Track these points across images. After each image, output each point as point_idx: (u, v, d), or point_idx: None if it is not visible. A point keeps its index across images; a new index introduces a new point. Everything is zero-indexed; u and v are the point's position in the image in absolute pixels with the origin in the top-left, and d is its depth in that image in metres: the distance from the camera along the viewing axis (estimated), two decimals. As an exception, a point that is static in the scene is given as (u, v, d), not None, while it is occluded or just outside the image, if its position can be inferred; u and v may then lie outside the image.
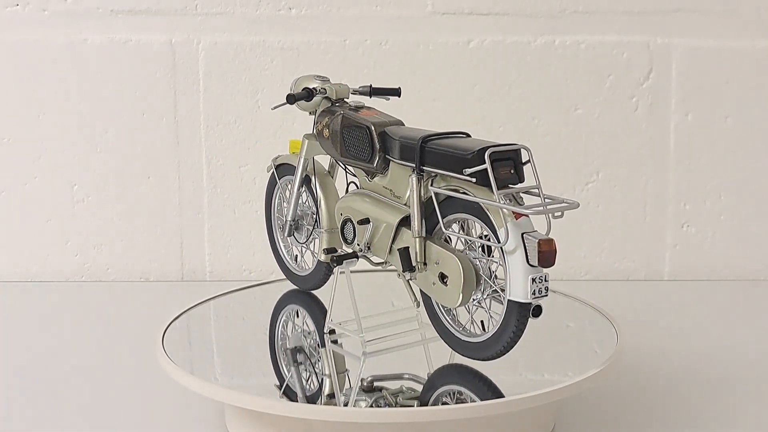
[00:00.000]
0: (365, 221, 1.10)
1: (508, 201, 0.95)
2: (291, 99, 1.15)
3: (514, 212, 0.94)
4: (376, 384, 1.00)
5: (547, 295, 0.95)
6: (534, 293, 0.94)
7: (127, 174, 1.65)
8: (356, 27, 1.61)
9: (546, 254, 0.93)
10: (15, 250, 1.67)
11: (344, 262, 1.10)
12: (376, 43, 1.61)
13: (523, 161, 0.98)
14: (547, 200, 0.95)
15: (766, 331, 1.42)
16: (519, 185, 0.97)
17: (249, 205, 1.65)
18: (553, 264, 0.94)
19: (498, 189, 0.95)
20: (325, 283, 1.22)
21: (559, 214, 0.95)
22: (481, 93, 1.61)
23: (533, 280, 0.94)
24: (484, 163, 0.95)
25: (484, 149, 0.95)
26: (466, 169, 0.97)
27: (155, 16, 1.61)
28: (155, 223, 1.66)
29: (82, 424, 1.11)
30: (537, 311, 0.96)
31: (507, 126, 1.61)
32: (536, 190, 0.96)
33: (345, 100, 1.17)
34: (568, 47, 1.60)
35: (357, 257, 1.11)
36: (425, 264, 1.03)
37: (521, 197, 0.97)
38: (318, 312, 1.21)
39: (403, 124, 1.09)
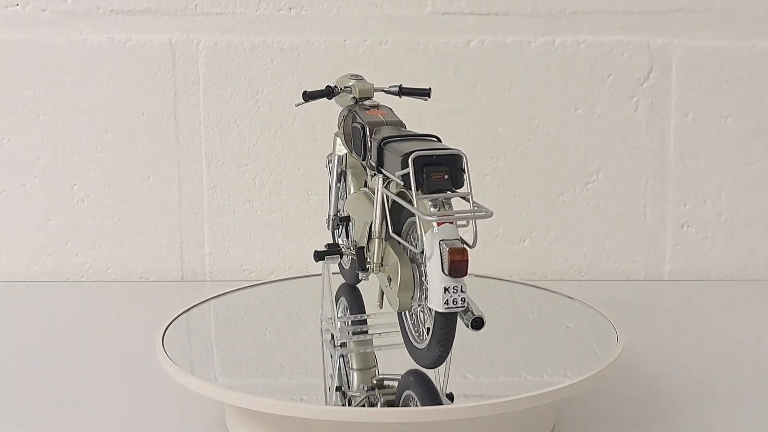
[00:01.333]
0: (346, 219, 1.11)
1: (434, 206, 0.93)
2: (305, 96, 1.17)
3: (435, 220, 0.92)
4: (386, 383, 1.01)
5: (463, 307, 0.92)
6: (447, 303, 0.91)
7: (127, 174, 1.65)
8: (356, 27, 1.61)
9: (456, 264, 0.90)
10: (15, 250, 1.67)
11: (325, 258, 1.10)
12: (376, 43, 1.61)
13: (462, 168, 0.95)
14: (475, 208, 0.93)
15: (766, 331, 1.42)
16: (462, 191, 0.94)
17: (249, 205, 1.65)
18: (465, 274, 0.91)
19: (426, 193, 0.93)
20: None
21: (463, 222, 0.93)
22: (481, 93, 1.61)
23: (446, 289, 0.91)
24: (408, 166, 0.93)
25: (410, 153, 0.94)
26: (397, 172, 0.96)
27: (155, 16, 1.61)
28: (155, 223, 1.66)
29: (82, 424, 1.11)
30: (477, 323, 0.93)
31: (507, 126, 1.61)
32: (467, 197, 0.94)
33: (368, 98, 1.16)
34: (568, 47, 1.60)
35: (341, 254, 1.11)
36: (382, 265, 1.03)
37: (450, 203, 0.94)
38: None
39: (404, 126, 1.09)
